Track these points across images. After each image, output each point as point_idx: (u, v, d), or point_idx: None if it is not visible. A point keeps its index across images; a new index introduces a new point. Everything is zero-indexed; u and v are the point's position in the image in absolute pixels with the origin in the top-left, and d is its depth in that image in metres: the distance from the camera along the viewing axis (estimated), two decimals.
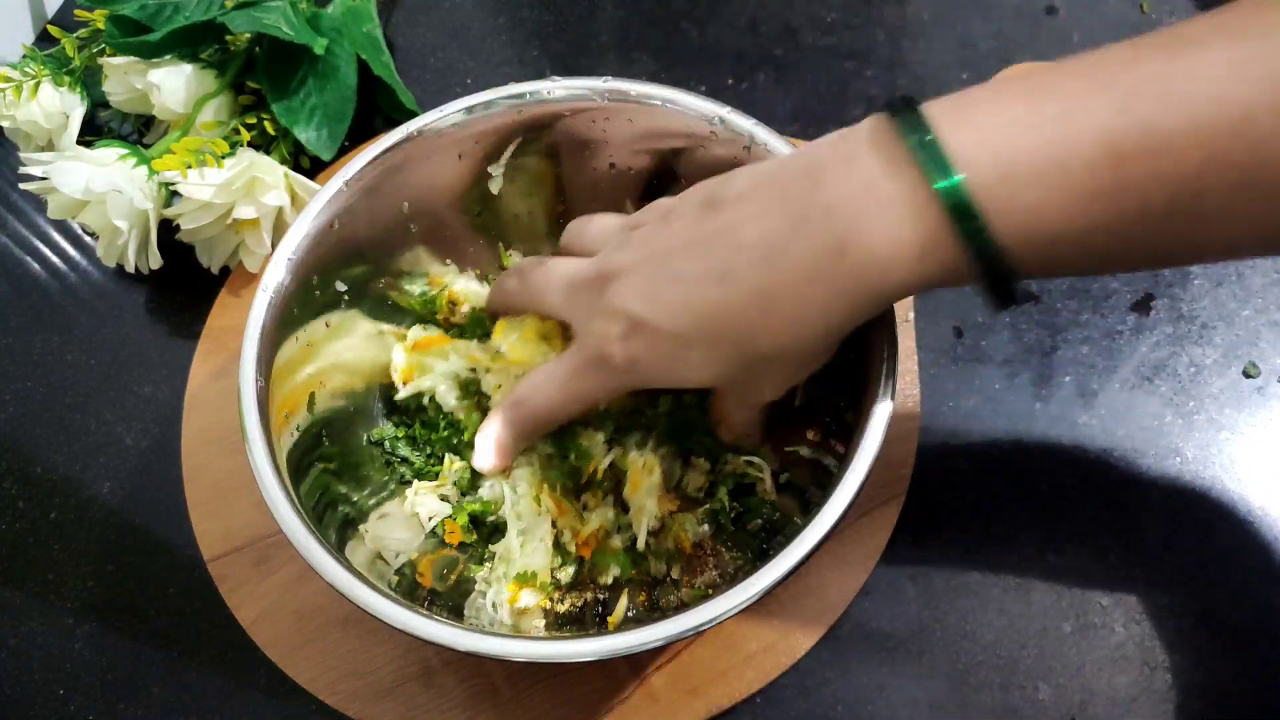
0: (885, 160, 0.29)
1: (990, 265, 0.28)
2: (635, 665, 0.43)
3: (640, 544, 0.43)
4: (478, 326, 0.48)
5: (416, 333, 0.47)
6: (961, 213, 0.28)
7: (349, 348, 0.46)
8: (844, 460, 0.36)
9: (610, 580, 0.43)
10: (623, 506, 0.44)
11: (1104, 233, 0.27)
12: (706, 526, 0.44)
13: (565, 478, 0.43)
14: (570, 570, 0.43)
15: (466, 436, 0.45)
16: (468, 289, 0.49)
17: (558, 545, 0.43)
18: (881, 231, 0.29)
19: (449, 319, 0.49)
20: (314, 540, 0.35)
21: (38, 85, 0.57)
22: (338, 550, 0.36)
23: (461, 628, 0.34)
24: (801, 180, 0.32)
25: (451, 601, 0.42)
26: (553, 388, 0.40)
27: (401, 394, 0.46)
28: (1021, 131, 0.27)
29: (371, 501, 0.45)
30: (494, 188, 0.48)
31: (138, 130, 0.63)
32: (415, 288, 0.49)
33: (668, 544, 0.44)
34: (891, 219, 0.29)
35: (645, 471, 0.43)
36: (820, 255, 0.31)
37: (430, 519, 0.45)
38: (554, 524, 0.43)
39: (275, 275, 0.41)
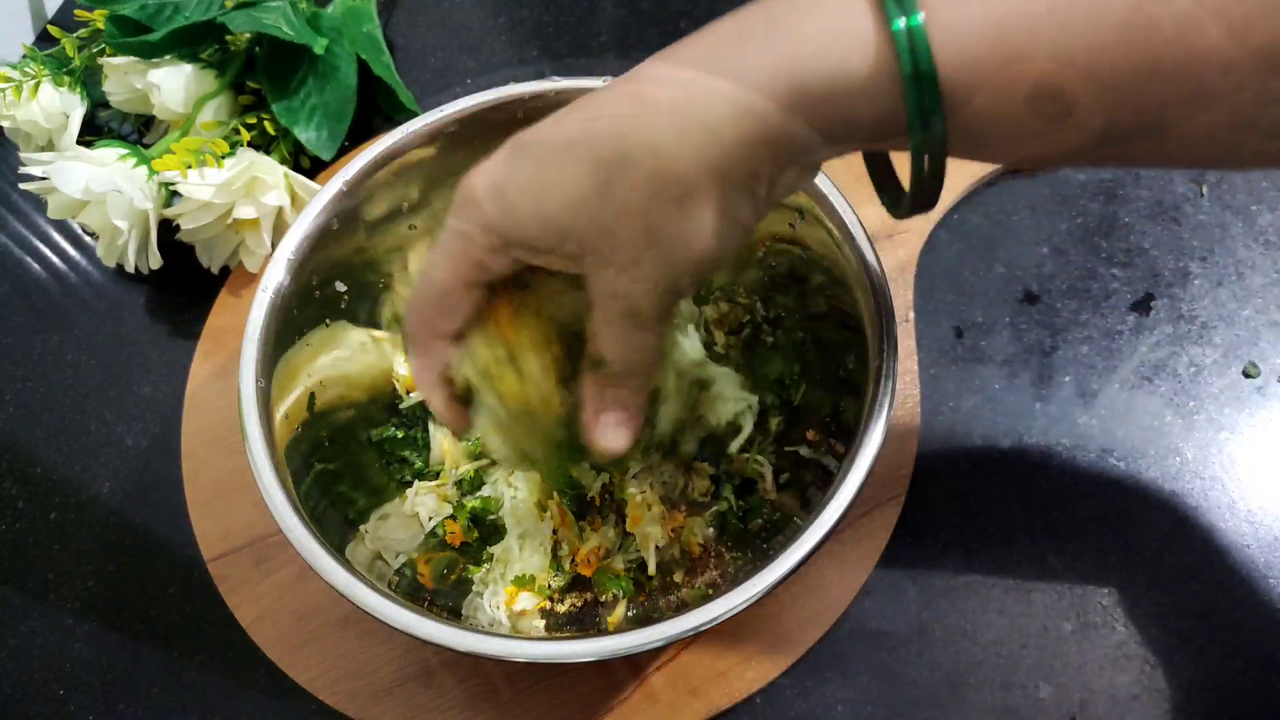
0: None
1: (924, 100, 0.26)
2: (635, 665, 0.43)
3: (651, 569, 0.43)
4: None
5: None
6: (912, 38, 0.26)
7: (346, 359, 0.46)
8: (844, 460, 0.36)
9: (610, 598, 0.43)
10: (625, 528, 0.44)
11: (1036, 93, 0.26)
12: (713, 530, 0.44)
13: (570, 489, 0.44)
14: (562, 581, 0.43)
15: (472, 444, 0.45)
16: None
17: (554, 556, 0.43)
18: (819, 22, 0.27)
19: None
20: (314, 540, 0.35)
21: (38, 85, 0.57)
22: (338, 550, 0.36)
23: (461, 628, 0.34)
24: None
25: (451, 602, 0.42)
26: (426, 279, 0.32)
27: (406, 403, 0.47)
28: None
29: (372, 501, 0.45)
30: None
31: (138, 130, 0.63)
32: None
33: (674, 552, 0.44)
34: (831, 22, 0.27)
35: (644, 508, 0.43)
36: (726, 38, 0.28)
37: (430, 519, 0.45)
38: (555, 532, 0.43)
39: (275, 275, 0.41)
